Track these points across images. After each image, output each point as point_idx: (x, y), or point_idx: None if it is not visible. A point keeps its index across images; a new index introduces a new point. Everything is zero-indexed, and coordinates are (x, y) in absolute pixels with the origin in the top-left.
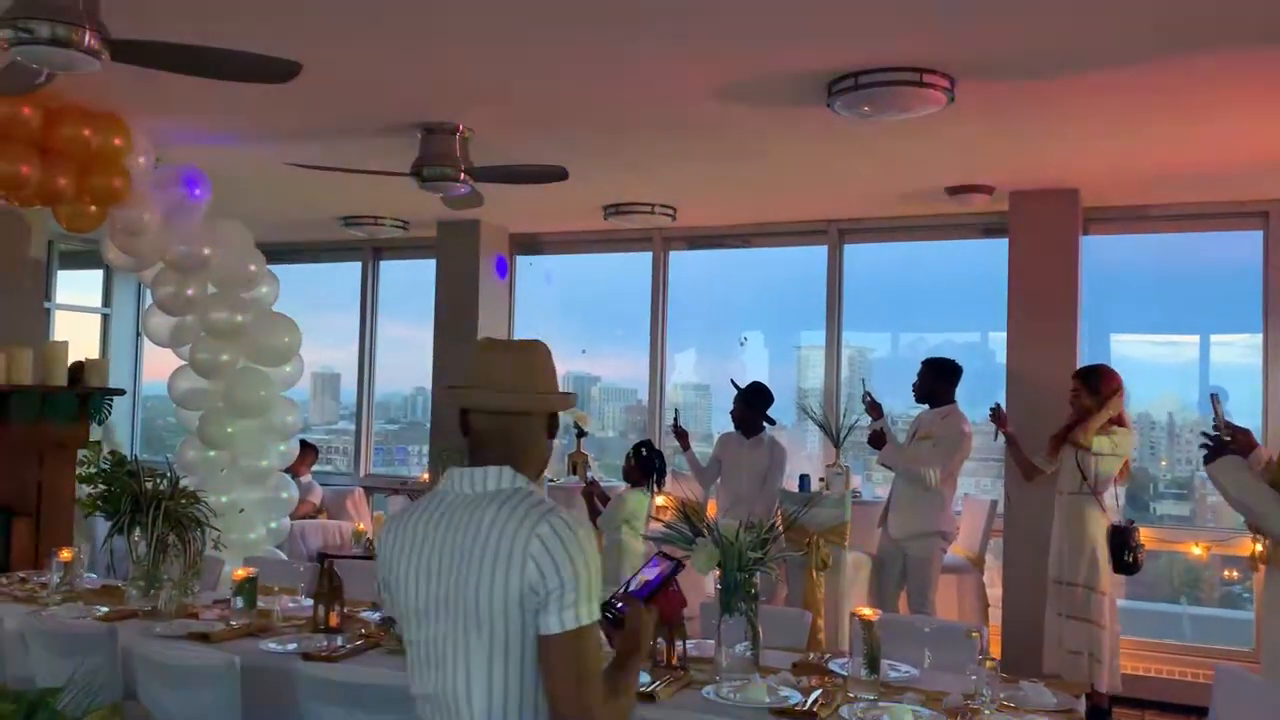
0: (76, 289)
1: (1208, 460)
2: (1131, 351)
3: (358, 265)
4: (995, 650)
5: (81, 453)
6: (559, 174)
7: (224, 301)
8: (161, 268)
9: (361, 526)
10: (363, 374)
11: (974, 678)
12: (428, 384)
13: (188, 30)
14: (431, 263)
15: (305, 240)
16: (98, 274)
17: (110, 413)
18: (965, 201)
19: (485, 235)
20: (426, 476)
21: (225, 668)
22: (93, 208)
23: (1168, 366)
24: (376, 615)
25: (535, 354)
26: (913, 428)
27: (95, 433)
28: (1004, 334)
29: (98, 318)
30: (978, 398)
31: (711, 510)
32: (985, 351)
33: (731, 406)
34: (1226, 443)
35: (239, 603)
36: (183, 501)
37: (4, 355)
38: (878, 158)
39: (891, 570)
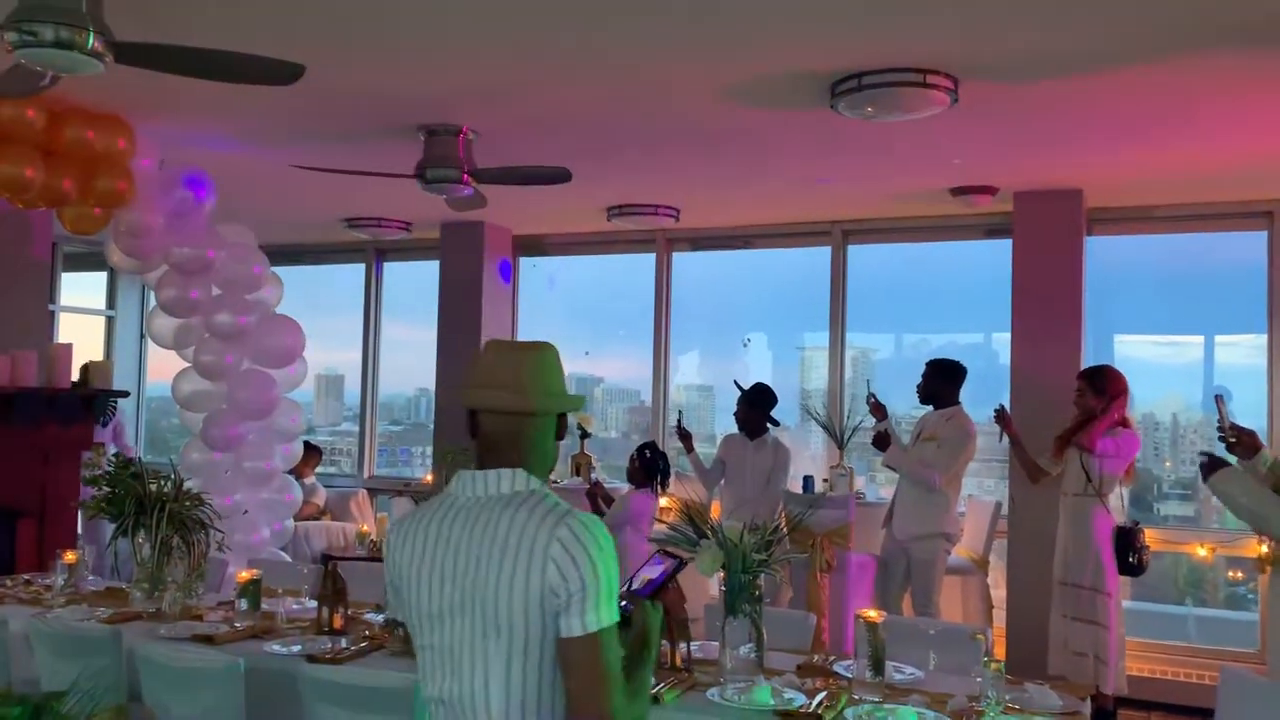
0: (81, 291)
1: (1205, 477)
2: (1135, 352)
3: (361, 267)
4: (999, 652)
5: (86, 454)
6: (562, 175)
7: (228, 304)
8: (165, 270)
9: (365, 528)
10: (366, 375)
11: (979, 680)
12: (431, 385)
13: (191, 33)
14: (435, 264)
15: (309, 242)
16: (102, 276)
17: (114, 415)
18: (969, 202)
19: (488, 237)
20: (430, 478)
21: (229, 670)
22: (97, 210)
23: (1172, 367)
24: (380, 617)
25: (544, 355)
26: (917, 429)
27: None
28: (1008, 335)
29: (102, 320)
30: (981, 399)
31: (715, 512)
32: (989, 352)
33: (735, 408)
34: (1217, 460)
35: (243, 604)
36: (186, 503)
37: (9, 358)
38: (881, 158)
39: (895, 572)
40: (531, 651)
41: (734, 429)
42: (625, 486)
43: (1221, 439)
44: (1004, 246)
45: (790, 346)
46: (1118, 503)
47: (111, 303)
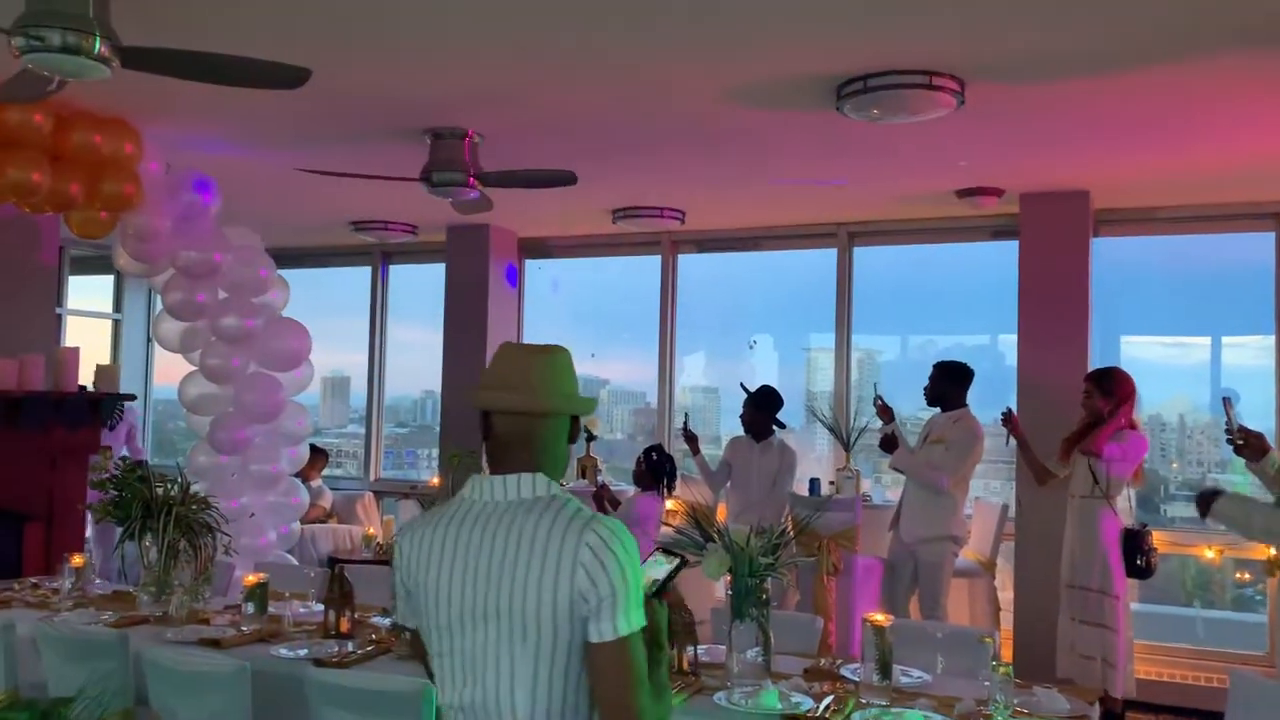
0: (87, 295)
1: (1205, 513)
2: (1142, 353)
3: (367, 270)
4: (1007, 655)
5: (93, 458)
6: (568, 178)
7: (234, 307)
8: (172, 273)
9: (372, 531)
10: (372, 378)
11: (987, 683)
12: (437, 387)
13: (197, 37)
14: (441, 267)
15: (315, 245)
16: (108, 280)
17: (121, 418)
18: (975, 204)
19: (494, 239)
20: (437, 481)
21: (236, 673)
22: (104, 214)
23: (1179, 368)
24: (387, 621)
25: (557, 357)
26: (924, 431)
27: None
28: (1014, 336)
29: (108, 323)
30: (988, 400)
31: (721, 514)
32: (995, 354)
33: (741, 410)
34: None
35: (250, 608)
36: (193, 507)
37: (16, 361)
38: (887, 160)
39: (903, 574)
40: (559, 656)
41: (740, 431)
42: (631, 489)
43: (1229, 441)
44: (1010, 248)
45: (796, 348)
46: (1125, 505)
47: (118, 306)
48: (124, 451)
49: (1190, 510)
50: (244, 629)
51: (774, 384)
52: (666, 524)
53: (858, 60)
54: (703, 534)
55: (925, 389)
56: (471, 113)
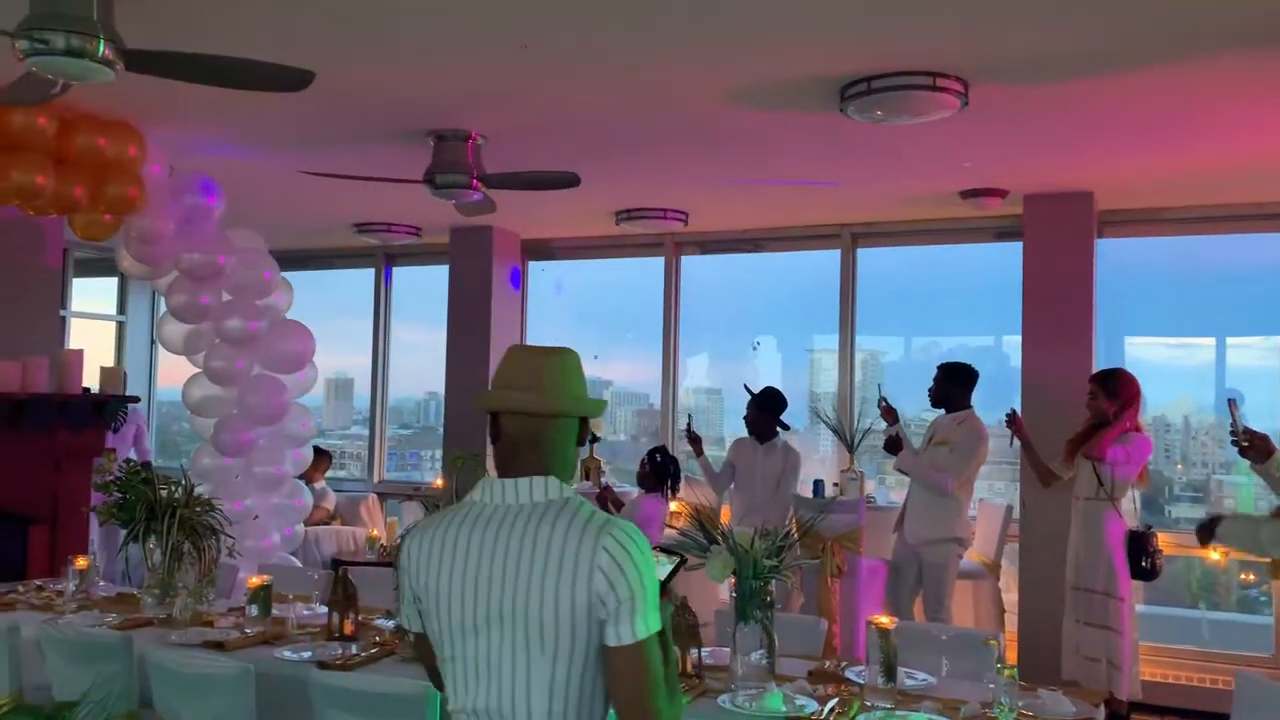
0: (91, 297)
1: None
2: (1147, 354)
3: (370, 271)
4: (1011, 657)
5: (97, 460)
6: (571, 180)
7: (238, 309)
8: (176, 276)
9: (375, 532)
10: (376, 379)
11: (992, 686)
12: (440, 389)
13: (201, 39)
14: (444, 268)
15: (318, 247)
16: (113, 282)
17: (124, 420)
18: (979, 205)
19: (497, 241)
20: (440, 482)
21: (240, 676)
22: (108, 217)
23: (1184, 369)
24: (391, 623)
25: (566, 359)
26: (929, 433)
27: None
28: (1018, 337)
29: (113, 325)
30: (992, 402)
31: (725, 516)
32: (999, 355)
33: (745, 411)
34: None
35: (253, 610)
36: (197, 509)
37: (20, 364)
38: (891, 161)
39: (907, 576)
40: (576, 659)
41: (743, 432)
42: (635, 491)
43: (1234, 443)
44: (1014, 249)
45: (800, 349)
46: (1130, 507)
47: (122, 308)
48: (131, 453)
49: (1194, 511)
50: (248, 631)
51: (778, 385)
52: (670, 526)
53: (861, 61)
54: (707, 536)
55: (930, 390)
56: (474, 114)
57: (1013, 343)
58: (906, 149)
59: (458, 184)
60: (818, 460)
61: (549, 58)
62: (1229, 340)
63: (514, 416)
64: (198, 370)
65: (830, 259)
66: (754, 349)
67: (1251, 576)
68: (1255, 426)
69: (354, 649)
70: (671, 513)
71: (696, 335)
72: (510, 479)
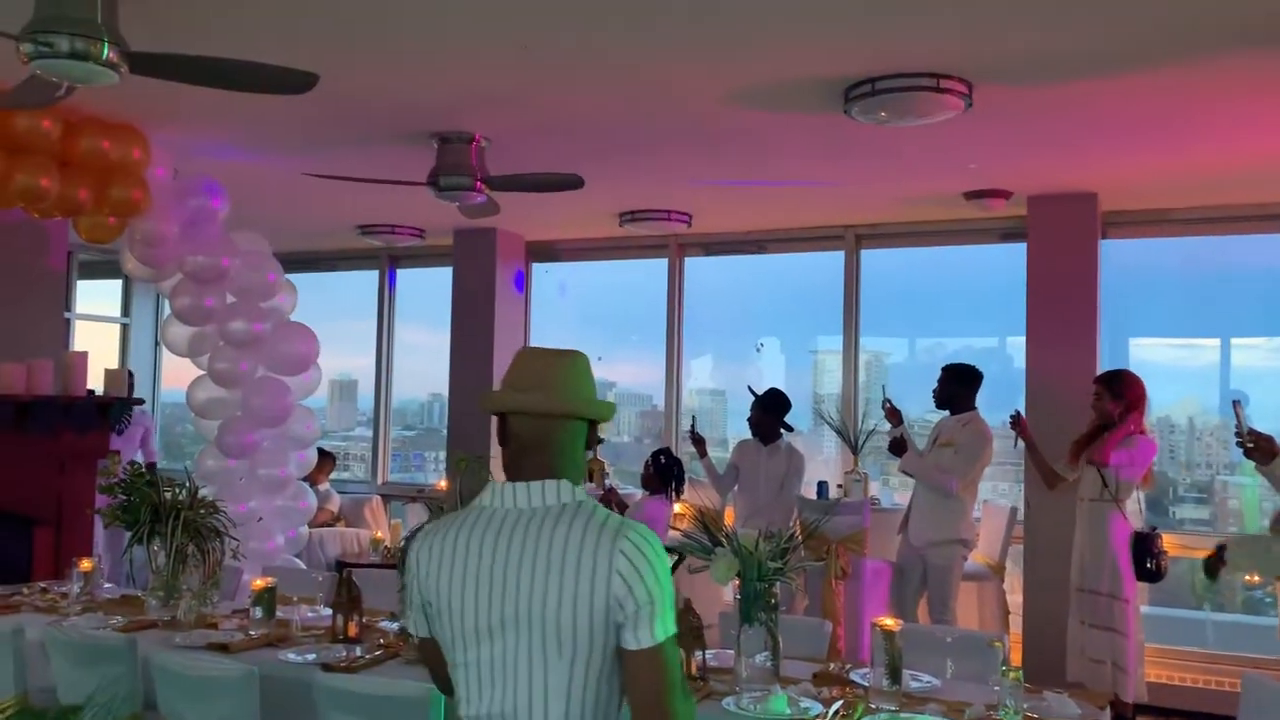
0: (96, 299)
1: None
2: (1151, 355)
3: (374, 273)
4: (1016, 658)
5: (101, 462)
6: (575, 182)
7: (242, 311)
8: (180, 278)
9: (379, 534)
10: (380, 381)
11: (997, 688)
12: (444, 390)
13: (205, 42)
14: (448, 270)
15: (322, 249)
16: (117, 284)
17: (129, 423)
18: (983, 206)
19: (501, 243)
20: (444, 484)
21: (244, 678)
22: (112, 219)
23: (1188, 370)
24: (395, 625)
25: (576, 361)
26: (933, 434)
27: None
28: (1022, 339)
29: (117, 327)
30: (996, 403)
31: (729, 518)
32: (1003, 356)
33: (748, 412)
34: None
35: (258, 613)
36: (201, 511)
37: (25, 366)
38: (895, 163)
39: (912, 578)
40: (593, 663)
41: (747, 434)
42: (639, 492)
43: (1239, 444)
44: (1018, 250)
45: (803, 351)
46: (1135, 508)
47: (126, 310)
48: (139, 455)
49: (1198, 511)
50: (252, 633)
51: (781, 387)
52: (674, 528)
53: (864, 62)
54: (711, 538)
55: (934, 391)
56: (477, 116)
57: (1017, 344)
58: (910, 150)
59: (461, 186)
60: (822, 462)
61: (552, 59)
62: (1233, 341)
63: (522, 418)
64: (202, 372)
65: (834, 260)
66: (758, 350)
67: (1257, 579)
68: (1260, 427)
69: (358, 651)
70: (675, 514)
71: (700, 337)
72: (521, 483)
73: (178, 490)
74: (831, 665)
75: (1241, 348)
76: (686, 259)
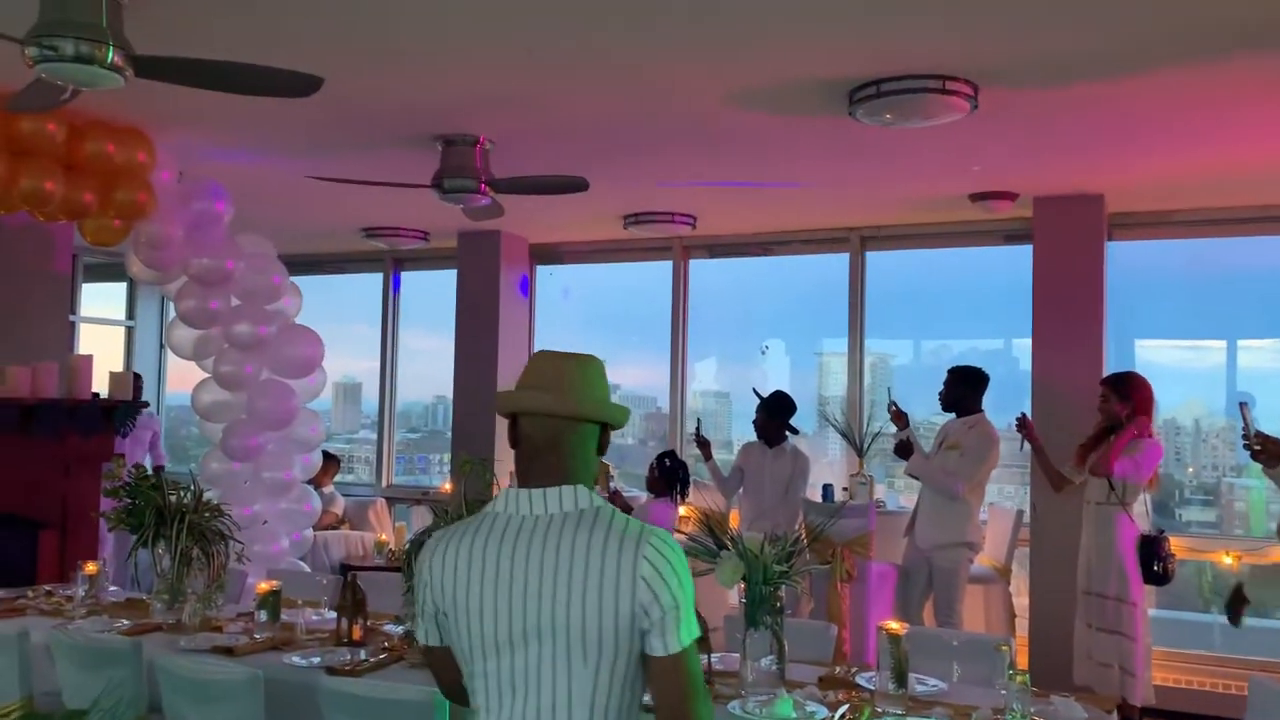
0: (101, 302)
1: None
2: (1157, 357)
3: (379, 276)
4: (1022, 662)
5: (106, 465)
6: (579, 184)
7: (247, 314)
8: (185, 281)
9: (384, 537)
10: (384, 384)
11: (1004, 692)
12: (448, 393)
13: (209, 46)
14: (452, 273)
15: (327, 252)
16: (122, 287)
17: (134, 426)
18: (988, 208)
19: (505, 245)
20: (448, 487)
21: (249, 681)
22: (117, 222)
23: (1194, 372)
24: (400, 629)
25: (589, 364)
26: (939, 437)
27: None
28: (1028, 340)
29: (122, 330)
30: (1002, 405)
31: (734, 521)
32: (1009, 358)
33: (753, 415)
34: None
35: (262, 616)
36: (206, 514)
37: (30, 369)
38: (900, 165)
39: (918, 581)
40: (617, 669)
41: (752, 436)
42: (644, 495)
43: (1246, 446)
44: (1024, 252)
45: (808, 353)
46: (1142, 510)
47: (131, 313)
48: (147, 458)
49: (1205, 514)
50: (257, 636)
51: (786, 389)
52: (679, 531)
53: (869, 64)
54: (716, 541)
55: (940, 394)
56: (481, 118)
57: (1023, 346)
58: (915, 152)
59: (466, 188)
60: (827, 464)
61: (555, 61)
62: (1240, 343)
63: (533, 419)
64: (206, 375)
65: (839, 262)
66: (762, 352)
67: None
68: (1267, 429)
69: (362, 654)
70: (680, 517)
71: (705, 339)
72: (537, 489)
73: (182, 493)
74: (837, 669)
75: (1248, 349)
76: (691, 261)
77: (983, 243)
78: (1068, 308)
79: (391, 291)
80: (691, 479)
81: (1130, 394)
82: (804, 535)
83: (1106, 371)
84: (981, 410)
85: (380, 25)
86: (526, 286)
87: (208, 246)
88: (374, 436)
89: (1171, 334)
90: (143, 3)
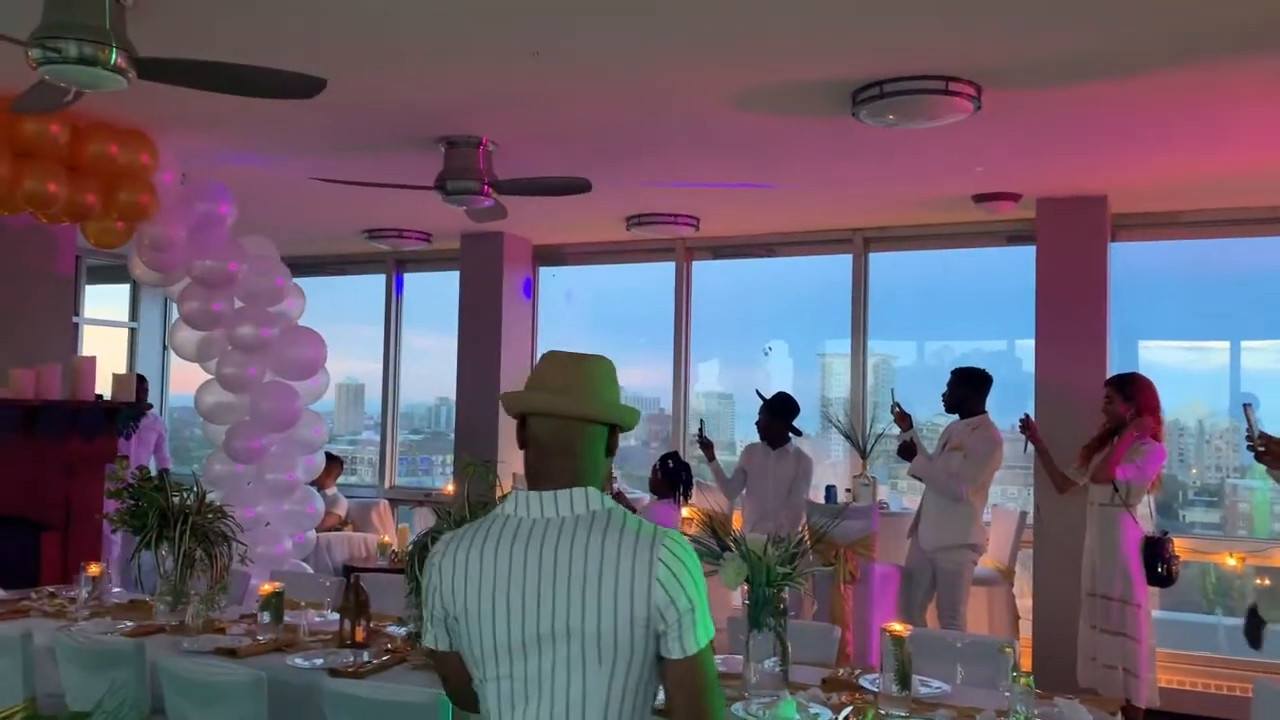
0: (104, 304)
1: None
2: (1161, 358)
3: (382, 277)
4: (1026, 663)
5: (109, 467)
6: (582, 186)
7: (250, 316)
8: (188, 282)
9: (387, 539)
10: (387, 385)
11: (1007, 694)
12: (451, 394)
13: (212, 48)
14: (455, 274)
15: (330, 253)
16: (125, 289)
17: (136, 427)
18: (992, 209)
19: (508, 247)
20: (451, 488)
21: (252, 683)
22: (120, 224)
23: (1198, 373)
24: (403, 630)
25: (599, 365)
26: (942, 438)
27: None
28: (1031, 341)
29: (125, 332)
30: (1005, 406)
31: (737, 522)
32: (1012, 359)
33: (756, 416)
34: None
35: (265, 617)
36: (209, 516)
37: (33, 371)
38: (903, 166)
39: (921, 582)
40: (633, 671)
41: (755, 437)
42: (647, 496)
43: (1250, 448)
44: (1027, 253)
45: (811, 354)
46: (1146, 512)
47: (134, 315)
48: (152, 460)
49: (1208, 515)
50: (260, 638)
51: (789, 390)
52: (683, 532)
53: (872, 65)
54: (719, 543)
55: (944, 395)
56: (485, 120)
57: (1026, 347)
58: (918, 153)
59: (469, 190)
60: (830, 466)
61: (558, 63)
62: (1243, 344)
63: (543, 420)
64: (210, 377)
65: (842, 263)
66: (765, 354)
67: (1268, 582)
68: (1270, 430)
69: (365, 656)
70: (683, 519)
71: (708, 340)
72: (547, 491)
73: (185, 495)
74: (840, 670)
75: (1251, 350)
76: (694, 262)
77: (986, 244)
78: (1071, 309)
79: (394, 293)
80: (694, 480)
81: (1134, 395)
82: (807, 537)
83: (1110, 372)
84: (985, 411)
85: (383, 26)
86: (530, 288)
87: (211, 248)
88: (377, 438)
89: (1175, 335)
90: (146, 5)
